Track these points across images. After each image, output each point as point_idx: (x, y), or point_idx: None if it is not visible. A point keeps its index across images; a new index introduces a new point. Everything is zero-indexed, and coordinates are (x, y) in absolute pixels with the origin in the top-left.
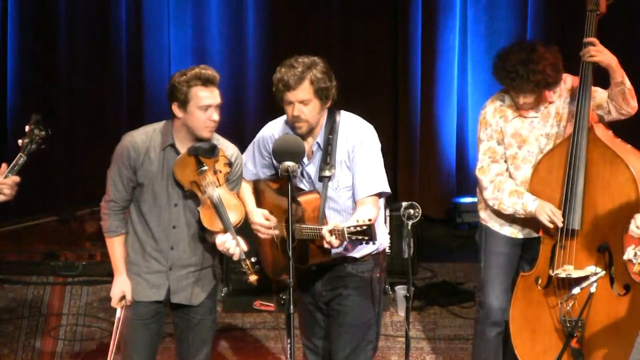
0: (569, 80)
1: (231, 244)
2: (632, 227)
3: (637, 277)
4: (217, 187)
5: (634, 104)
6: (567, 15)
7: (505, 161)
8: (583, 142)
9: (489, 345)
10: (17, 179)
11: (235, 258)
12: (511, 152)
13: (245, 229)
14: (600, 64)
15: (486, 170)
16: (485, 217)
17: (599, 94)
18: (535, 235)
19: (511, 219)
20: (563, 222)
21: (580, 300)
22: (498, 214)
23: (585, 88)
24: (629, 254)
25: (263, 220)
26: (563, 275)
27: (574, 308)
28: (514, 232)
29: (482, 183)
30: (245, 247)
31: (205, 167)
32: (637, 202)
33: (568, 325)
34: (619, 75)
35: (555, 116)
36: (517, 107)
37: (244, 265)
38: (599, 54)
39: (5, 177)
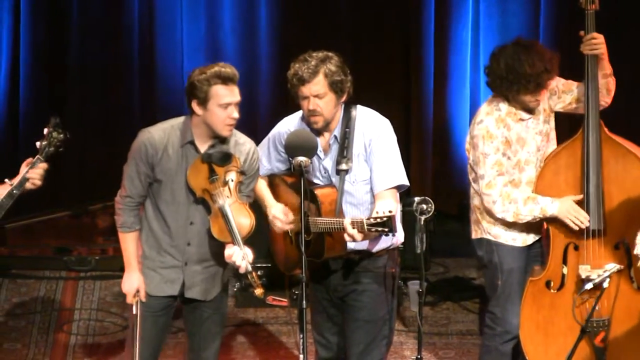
0: None
1: (238, 257)
2: None
3: None
4: (227, 197)
5: (612, 94)
6: (579, 10)
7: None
8: (597, 141)
9: (505, 358)
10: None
11: (242, 271)
12: (518, 157)
13: (253, 236)
14: (600, 55)
15: (493, 184)
16: (497, 234)
17: (579, 88)
18: (538, 236)
19: (520, 228)
20: (589, 221)
21: (607, 298)
22: (509, 226)
23: (593, 85)
24: (638, 248)
25: (282, 214)
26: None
27: (602, 307)
28: (526, 239)
29: (492, 197)
30: (251, 259)
31: (217, 176)
32: None
33: (595, 325)
34: (608, 66)
35: (543, 112)
36: (527, 109)
37: (249, 278)
38: (602, 45)
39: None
